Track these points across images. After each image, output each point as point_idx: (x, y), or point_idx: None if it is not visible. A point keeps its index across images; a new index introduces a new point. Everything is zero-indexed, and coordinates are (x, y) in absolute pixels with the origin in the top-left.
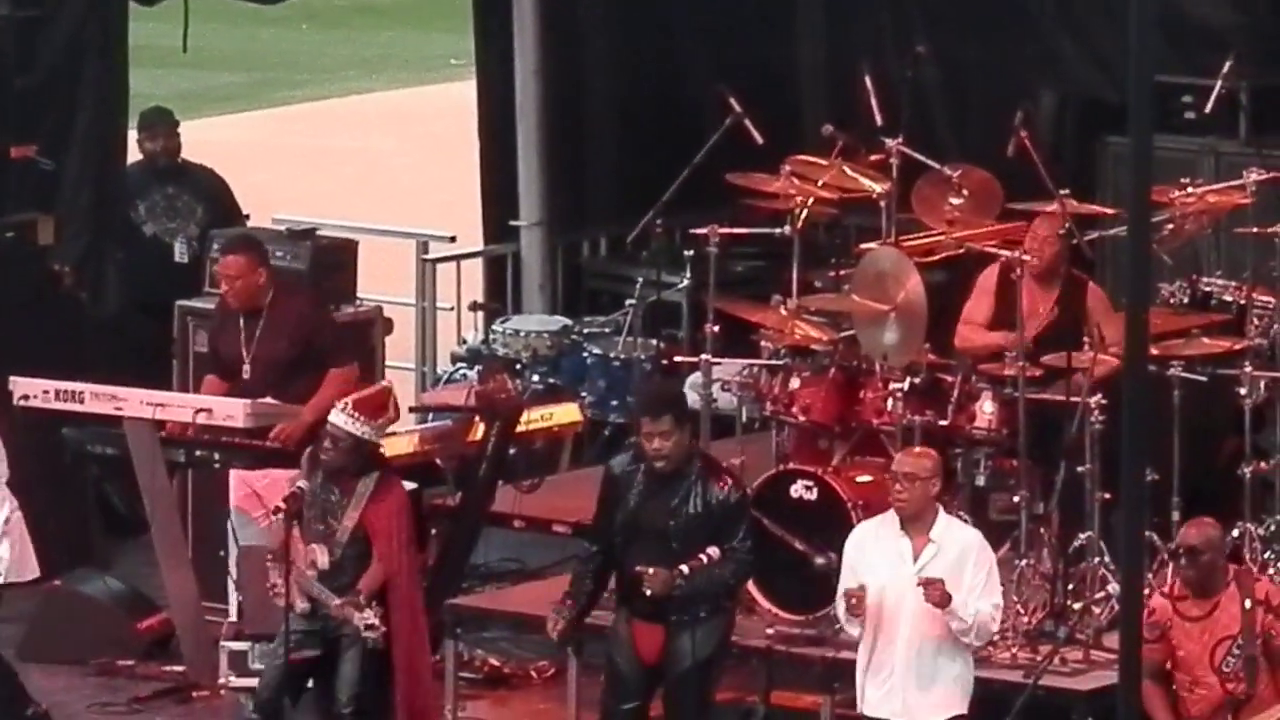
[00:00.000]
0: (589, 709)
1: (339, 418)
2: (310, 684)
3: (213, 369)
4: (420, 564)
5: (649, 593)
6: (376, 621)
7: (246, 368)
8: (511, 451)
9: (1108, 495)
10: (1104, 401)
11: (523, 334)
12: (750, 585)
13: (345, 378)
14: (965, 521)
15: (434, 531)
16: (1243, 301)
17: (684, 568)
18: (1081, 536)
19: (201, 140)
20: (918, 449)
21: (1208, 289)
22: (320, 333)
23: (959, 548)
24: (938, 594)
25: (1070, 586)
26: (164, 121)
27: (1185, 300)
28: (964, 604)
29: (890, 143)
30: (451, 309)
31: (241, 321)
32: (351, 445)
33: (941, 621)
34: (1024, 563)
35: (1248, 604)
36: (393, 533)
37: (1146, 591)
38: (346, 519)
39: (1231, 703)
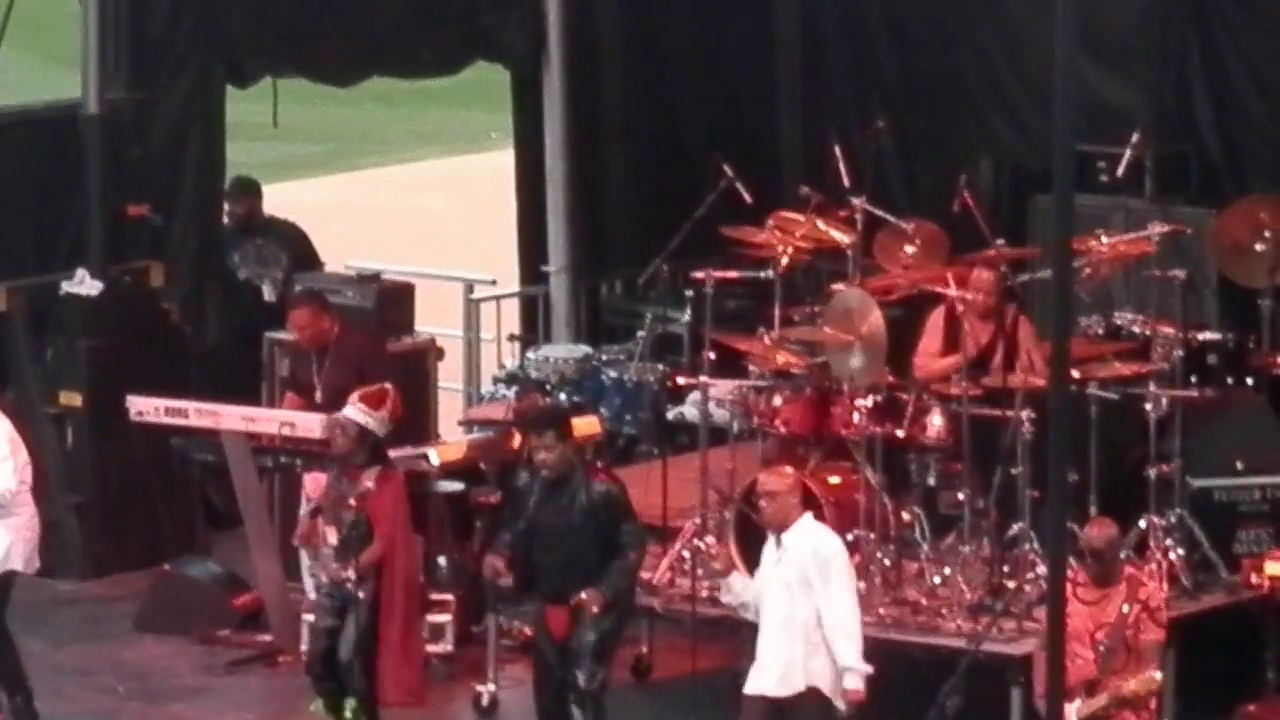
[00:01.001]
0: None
1: (349, 410)
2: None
3: (292, 389)
4: (416, 545)
5: (594, 610)
6: (353, 575)
7: (319, 393)
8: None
9: (1036, 493)
10: (1033, 415)
11: (552, 360)
12: (740, 568)
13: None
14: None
15: (478, 524)
16: (1148, 333)
17: (603, 587)
18: (1015, 527)
19: (286, 200)
20: (779, 469)
21: (1119, 322)
22: (374, 364)
23: (807, 549)
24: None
25: (1005, 568)
26: (244, 190)
27: (1100, 331)
28: (854, 675)
29: (855, 201)
30: (493, 340)
31: (313, 356)
32: (357, 433)
33: (797, 617)
34: (967, 549)
35: (1125, 608)
36: (390, 518)
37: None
38: (353, 506)
39: (1087, 683)
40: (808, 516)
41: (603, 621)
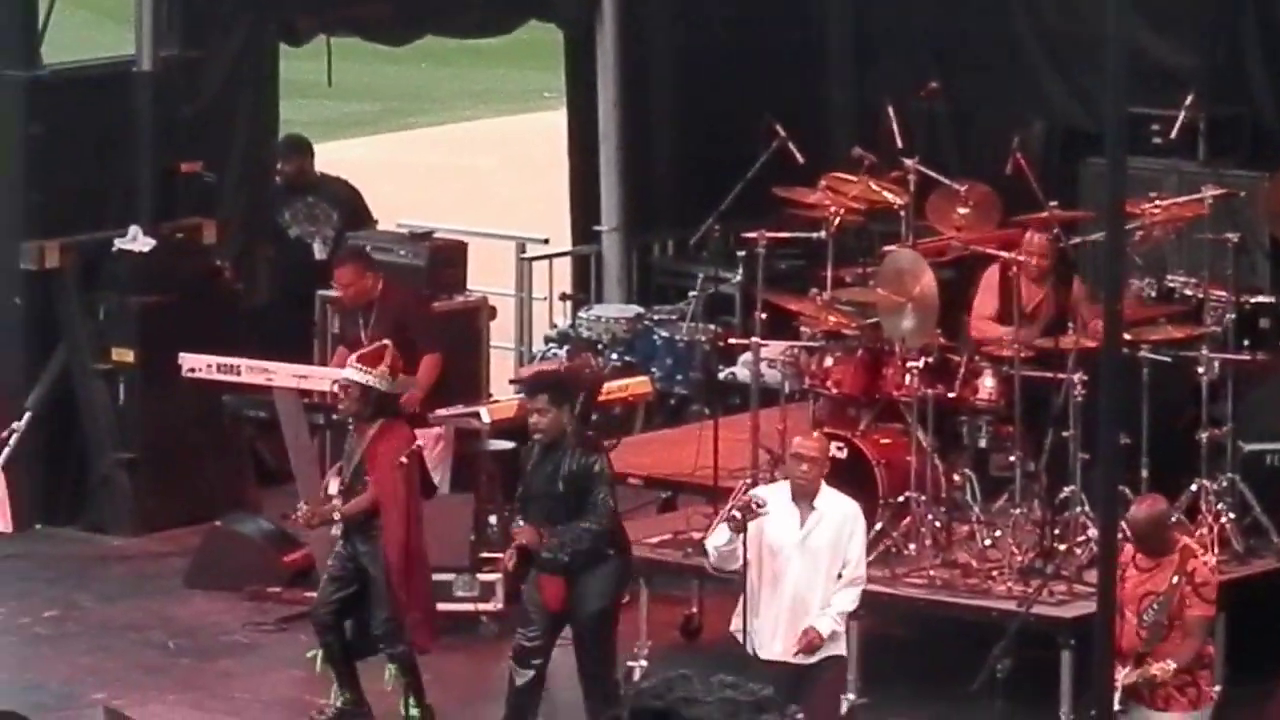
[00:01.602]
0: (657, 630)
1: (348, 370)
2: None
3: (342, 345)
4: (417, 499)
5: (517, 544)
6: (337, 516)
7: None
8: (594, 417)
9: (1087, 456)
10: (1085, 378)
11: (603, 320)
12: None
13: (435, 362)
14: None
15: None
16: (1201, 295)
17: (546, 535)
18: (1066, 490)
19: (339, 158)
20: (814, 435)
21: (1171, 285)
22: (416, 321)
23: (840, 516)
24: (808, 643)
25: (1056, 531)
26: (295, 148)
27: (1153, 294)
28: (830, 617)
29: (908, 162)
30: (544, 299)
31: (360, 313)
32: (359, 393)
33: (818, 585)
34: (1018, 511)
35: (1175, 580)
36: (387, 467)
37: (1120, 535)
38: (356, 454)
39: (1135, 653)
40: (824, 485)
41: (600, 600)
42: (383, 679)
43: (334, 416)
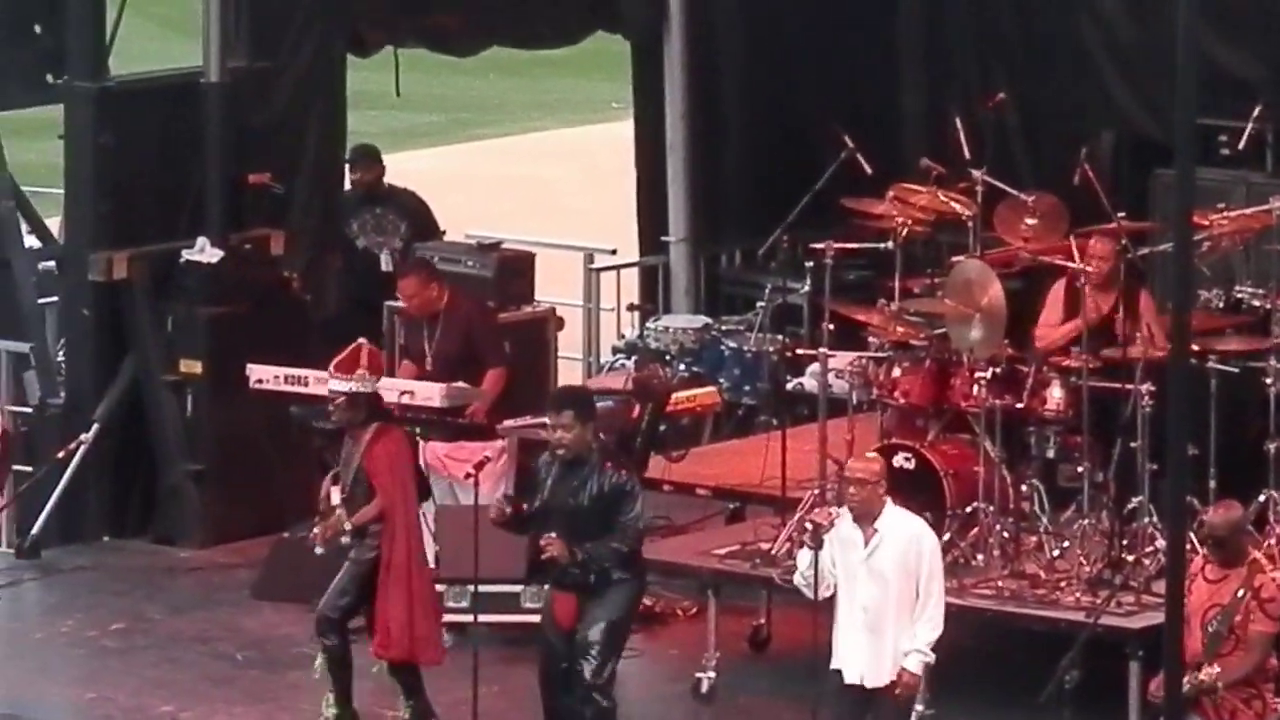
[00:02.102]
0: (726, 640)
1: (331, 381)
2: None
3: (406, 357)
4: (414, 501)
5: (546, 556)
6: (348, 527)
7: (429, 360)
8: (662, 427)
9: (1156, 466)
10: (1153, 388)
11: (671, 330)
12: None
13: (500, 376)
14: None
15: None
16: (1269, 306)
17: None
18: (1134, 500)
19: (407, 169)
20: (867, 455)
21: (1239, 295)
22: (482, 334)
23: (904, 536)
24: (904, 689)
25: (1125, 542)
26: (367, 156)
27: (1220, 305)
28: (917, 656)
29: (976, 173)
30: (612, 309)
31: (425, 324)
32: (347, 401)
33: (889, 607)
34: (1086, 522)
35: (1240, 593)
36: (388, 471)
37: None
38: (354, 460)
39: (1195, 663)
40: (891, 503)
41: (612, 612)
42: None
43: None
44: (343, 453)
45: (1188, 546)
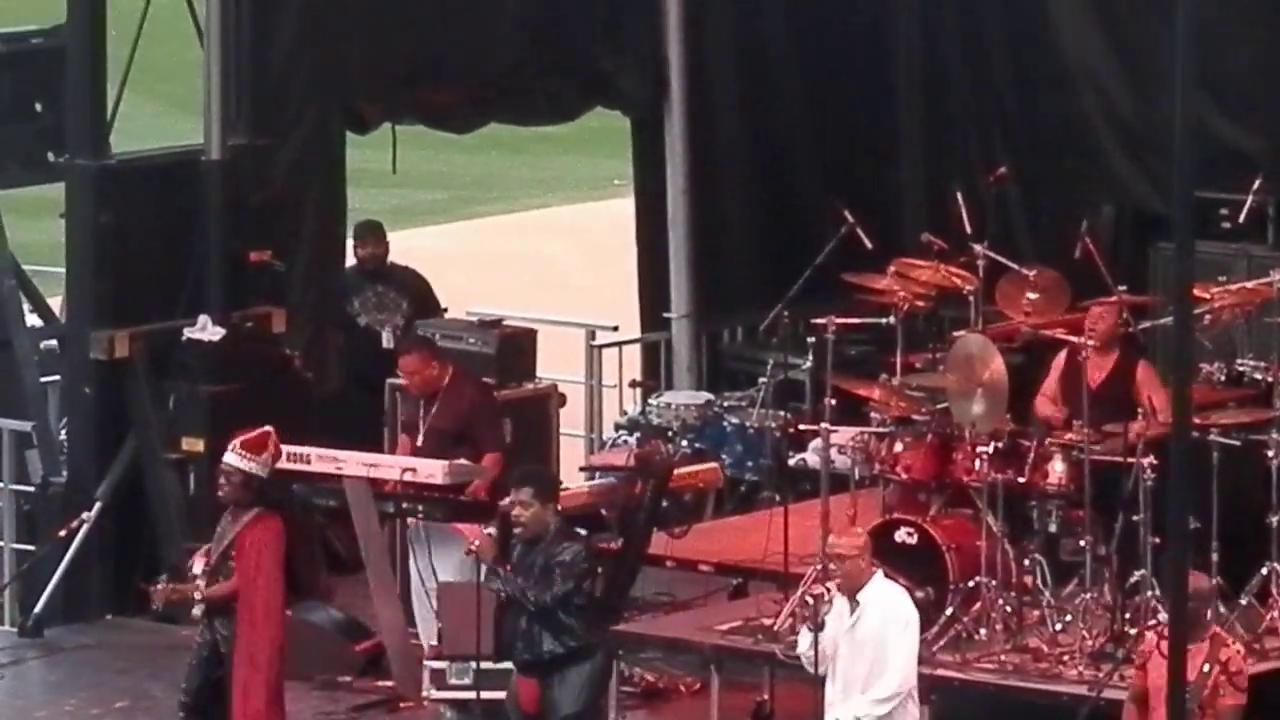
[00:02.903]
0: (728, 716)
1: (230, 456)
2: None
3: (404, 433)
4: (280, 592)
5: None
6: (198, 597)
7: (421, 437)
8: (664, 504)
9: (1158, 540)
10: (1155, 462)
11: (674, 407)
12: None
13: (497, 460)
14: (901, 585)
15: (599, 570)
16: (1270, 379)
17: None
18: (1136, 574)
19: (408, 247)
20: (850, 530)
21: (1241, 368)
22: (478, 417)
23: (883, 607)
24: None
25: (1127, 615)
26: (373, 232)
27: (1222, 378)
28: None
29: (977, 248)
30: (615, 386)
31: (422, 400)
32: (241, 480)
33: (860, 674)
34: (1088, 595)
35: (1206, 668)
36: (253, 557)
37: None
38: (226, 538)
39: None
40: (879, 575)
41: (577, 702)
42: None
43: (404, 506)
44: (219, 527)
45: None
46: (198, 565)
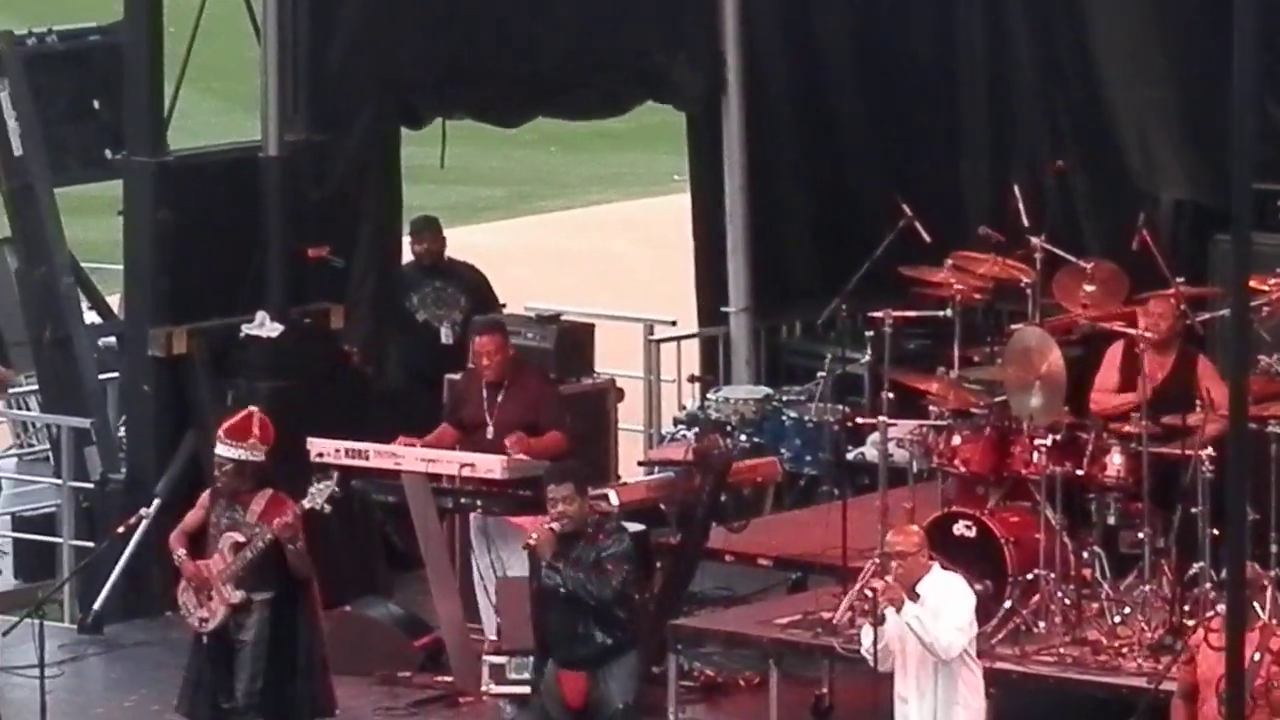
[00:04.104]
0: (788, 711)
1: (218, 447)
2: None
3: (451, 422)
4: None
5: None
6: (238, 599)
7: (490, 429)
8: (723, 498)
9: (1216, 532)
10: (1213, 454)
11: (732, 401)
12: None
13: (557, 439)
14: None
15: (658, 565)
16: None
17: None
18: (1195, 566)
19: (468, 243)
20: (906, 528)
21: None
22: (546, 405)
23: (939, 595)
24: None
25: (1186, 608)
26: (429, 228)
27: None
28: (925, 623)
29: (1035, 241)
30: (673, 381)
31: (485, 391)
32: (234, 468)
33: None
34: (1147, 588)
35: (1256, 656)
36: (301, 536)
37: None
38: (255, 532)
39: None
40: (936, 567)
41: (626, 693)
42: None
43: (462, 500)
44: (218, 517)
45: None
46: (220, 563)
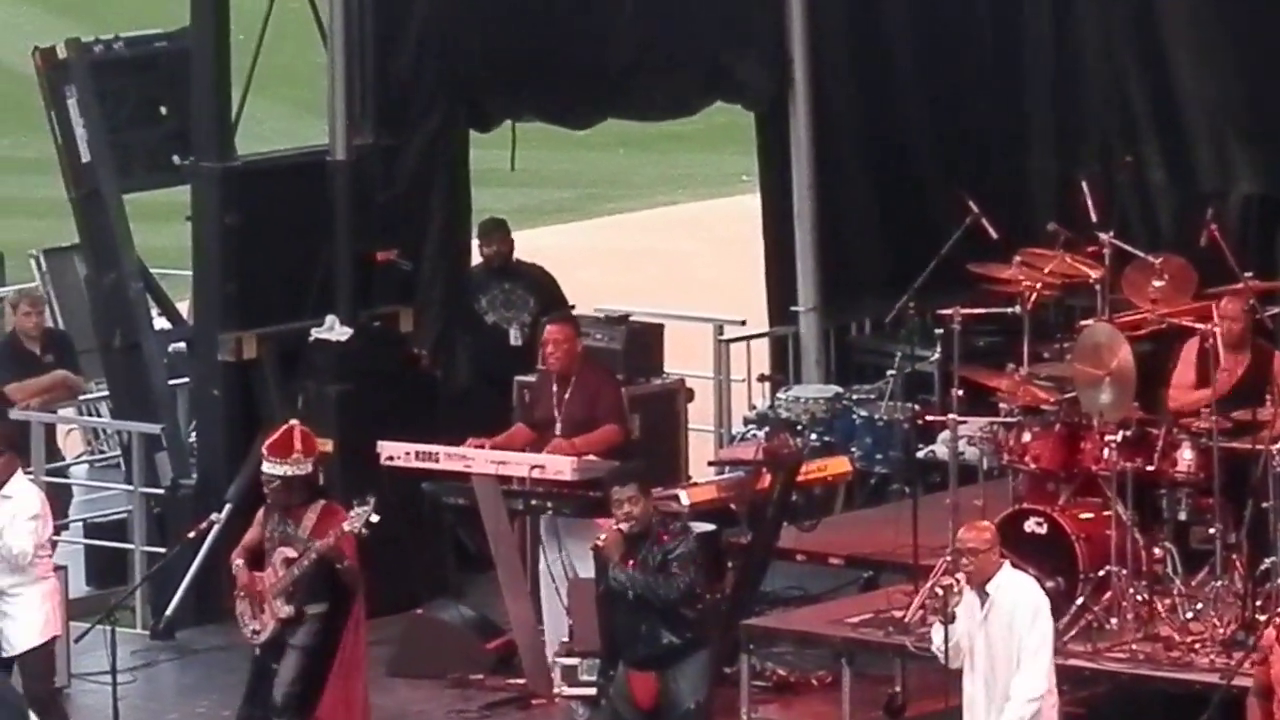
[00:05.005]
0: (860, 709)
1: (265, 464)
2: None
3: (525, 422)
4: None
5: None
6: (290, 612)
7: (559, 425)
8: (793, 497)
9: None
10: None
11: (802, 400)
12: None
13: (612, 431)
14: (1030, 575)
15: (729, 565)
16: None
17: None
18: (1267, 561)
19: (537, 245)
20: (978, 524)
21: None
22: (606, 400)
23: (1011, 601)
24: None
25: (1258, 603)
26: (498, 230)
27: None
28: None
29: (1104, 236)
30: (743, 380)
31: (555, 387)
32: (281, 484)
33: (1000, 669)
34: (1219, 583)
35: None
36: (353, 550)
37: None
38: (306, 546)
39: None
40: (1006, 565)
41: (698, 691)
42: None
43: (533, 502)
44: (272, 531)
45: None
46: (273, 576)
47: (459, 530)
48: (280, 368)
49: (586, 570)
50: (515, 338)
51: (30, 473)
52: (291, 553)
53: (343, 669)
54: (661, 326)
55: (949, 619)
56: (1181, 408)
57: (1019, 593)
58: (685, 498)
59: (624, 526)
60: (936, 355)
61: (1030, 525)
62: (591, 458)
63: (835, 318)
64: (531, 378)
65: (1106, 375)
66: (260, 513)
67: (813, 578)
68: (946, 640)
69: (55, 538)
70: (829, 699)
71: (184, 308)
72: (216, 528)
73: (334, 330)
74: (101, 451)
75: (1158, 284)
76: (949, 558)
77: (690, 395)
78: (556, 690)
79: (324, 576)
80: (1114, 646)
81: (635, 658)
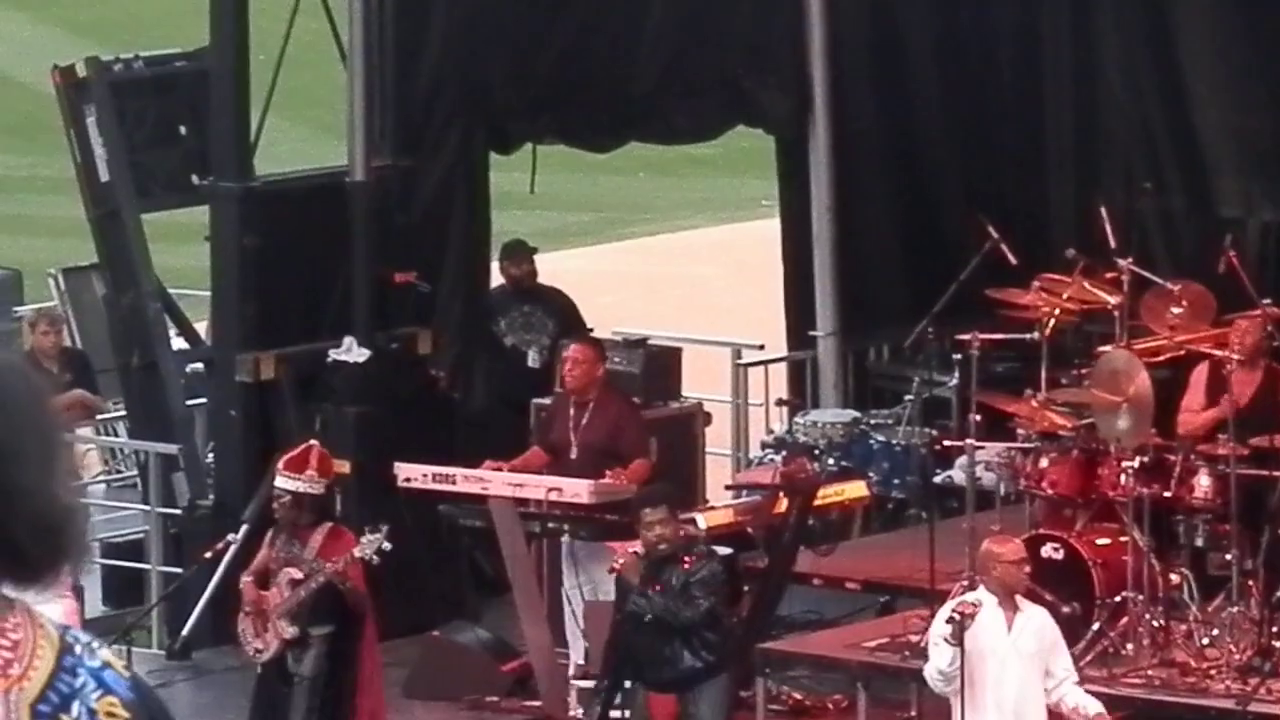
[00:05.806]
0: None
1: (279, 479)
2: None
3: (541, 444)
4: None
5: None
6: (295, 632)
7: (574, 450)
8: (810, 522)
9: None
10: None
11: (820, 425)
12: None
13: (644, 466)
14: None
15: (746, 589)
16: None
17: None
18: None
19: (556, 268)
20: (1008, 538)
21: None
22: (629, 431)
23: (1038, 622)
24: None
25: (1275, 629)
26: (523, 250)
27: None
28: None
29: (1122, 263)
30: (761, 405)
31: (572, 410)
32: (292, 500)
33: (1034, 688)
34: (1235, 609)
35: None
36: (360, 573)
37: None
38: (312, 568)
39: None
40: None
41: (720, 709)
42: None
43: (549, 525)
44: (278, 551)
45: None
46: (278, 598)
47: (476, 552)
48: (298, 389)
49: (606, 593)
50: (534, 360)
51: None
52: (297, 574)
53: (363, 688)
54: (680, 350)
55: (960, 642)
56: (1192, 431)
57: (1042, 614)
58: (702, 521)
59: (664, 547)
60: (954, 380)
61: (1047, 551)
62: (608, 481)
63: (854, 342)
64: (548, 400)
65: (1124, 401)
66: (269, 533)
67: (829, 602)
68: (959, 662)
69: None
70: None
71: (202, 328)
72: (233, 548)
73: (352, 351)
74: (119, 471)
75: (1176, 310)
76: (965, 582)
77: (708, 419)
78: (572, 713)
79: (330, 599)
80: (1130, 672)
81: (657, 680)
